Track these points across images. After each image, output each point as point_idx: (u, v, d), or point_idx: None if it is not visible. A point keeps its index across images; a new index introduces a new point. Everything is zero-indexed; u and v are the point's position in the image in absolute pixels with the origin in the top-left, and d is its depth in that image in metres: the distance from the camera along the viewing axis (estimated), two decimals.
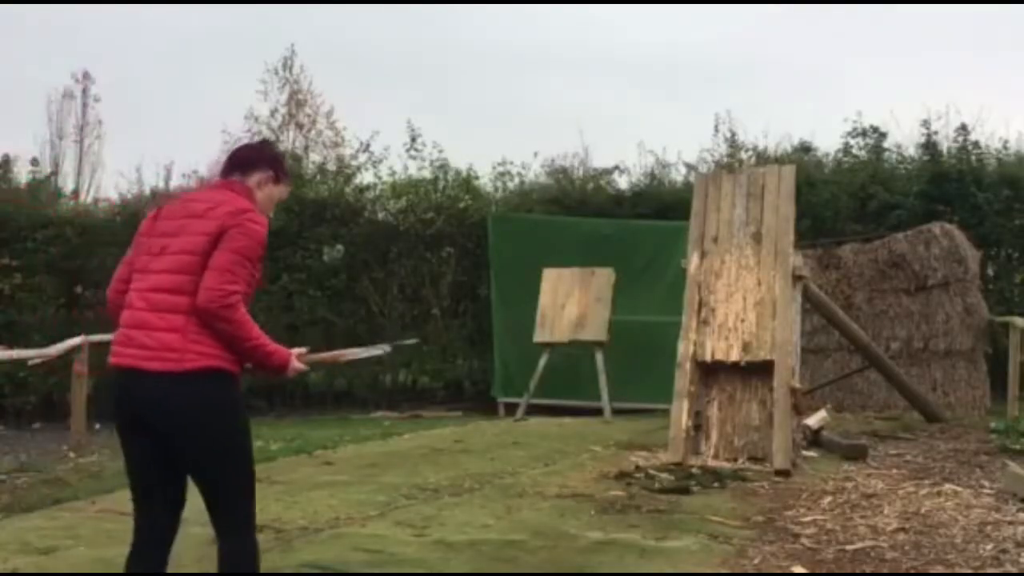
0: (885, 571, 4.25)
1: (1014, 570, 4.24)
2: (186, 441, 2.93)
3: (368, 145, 14.01)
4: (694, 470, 6.50)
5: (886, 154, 13.56)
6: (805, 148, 13.86)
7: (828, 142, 16.49)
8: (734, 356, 7.09)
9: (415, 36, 33.10)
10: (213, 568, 4.02)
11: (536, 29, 35.02)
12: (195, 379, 2.89)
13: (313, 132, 20.52)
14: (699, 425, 7.11)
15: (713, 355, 7.16)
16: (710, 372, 7.22)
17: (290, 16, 29.69)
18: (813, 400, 9.71)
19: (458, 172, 13.84)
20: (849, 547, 4.59)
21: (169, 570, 3.15)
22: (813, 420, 7.82)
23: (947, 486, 6.03)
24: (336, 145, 19.41)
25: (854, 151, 13.68)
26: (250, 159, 3.22)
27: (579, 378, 11.01)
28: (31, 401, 12.18)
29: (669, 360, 7.56)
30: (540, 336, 10.74)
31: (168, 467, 3.01)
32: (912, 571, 4.24)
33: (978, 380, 10.81)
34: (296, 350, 3.15)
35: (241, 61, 32.05)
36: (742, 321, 7.18)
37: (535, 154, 15.27)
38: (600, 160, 15.22)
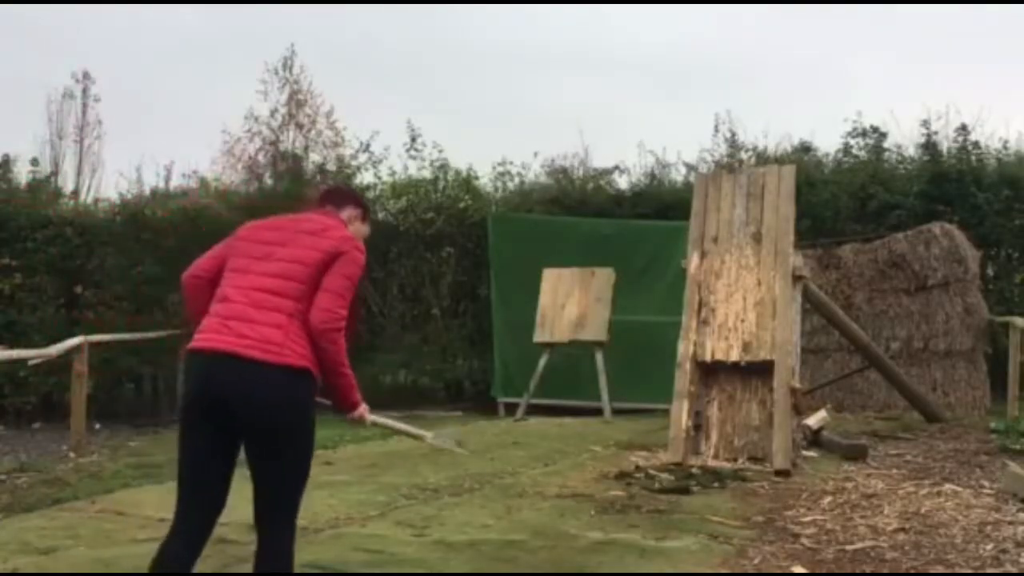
0: (885, 571, 4.24)
1: (1014, 570, 4.24)
2: (270, 432, 2.97)
3: (368, 145, 14.02)
4: (694, 470, 6.50)
5: (886, 154, 13.56)
6: (805, 148, 13.86)
7: (828, 142, 16.50)
8: (734, 356, 7.09)
9: (415, 36, 33.06)
10: (213, 568, 4.03)
11: (536, 29, 35.01)
12: (291, 374, 2.97)
13: (313, 132, 20.46)
14: (699, 425, 7.11)
15: (713, 355, 7.16)
16: (710, 372, 7.22)
17: (290, 16, 29.65)
18: (813, 400, 9.71)
19: (458, 172, 13.84)
20: (849, 547, 4.59)
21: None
22: (813, 420, 7.81)
23: (947, 486, 6.03)
24: (336, 145, 19.36)
25: (854, 151, 13.69)
26: (344, 196, 3.54)
27: (579, 378, 11.00)
28: (31, 401, 12.18)
29: (669, 360, 7.55)
30: (540, 336, 10.74)
31: (226, 464, 3.06)
32: (912, 571, 4.24)
33: (978, 380, 10.81)
34: (365, 406, 3.32)
35: (241, 61, 31.97)
36: (742, 321, 7.18)
37: (535, 154, 15.28)
38: (600, 160, 15.23)
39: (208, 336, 3.04)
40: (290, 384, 2.97)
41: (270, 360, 2.94)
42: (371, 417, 3.38)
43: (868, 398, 10.87)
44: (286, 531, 3.06)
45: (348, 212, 3.41)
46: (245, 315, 3.02)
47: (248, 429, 2.98)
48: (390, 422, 3.83)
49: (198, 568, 3.92)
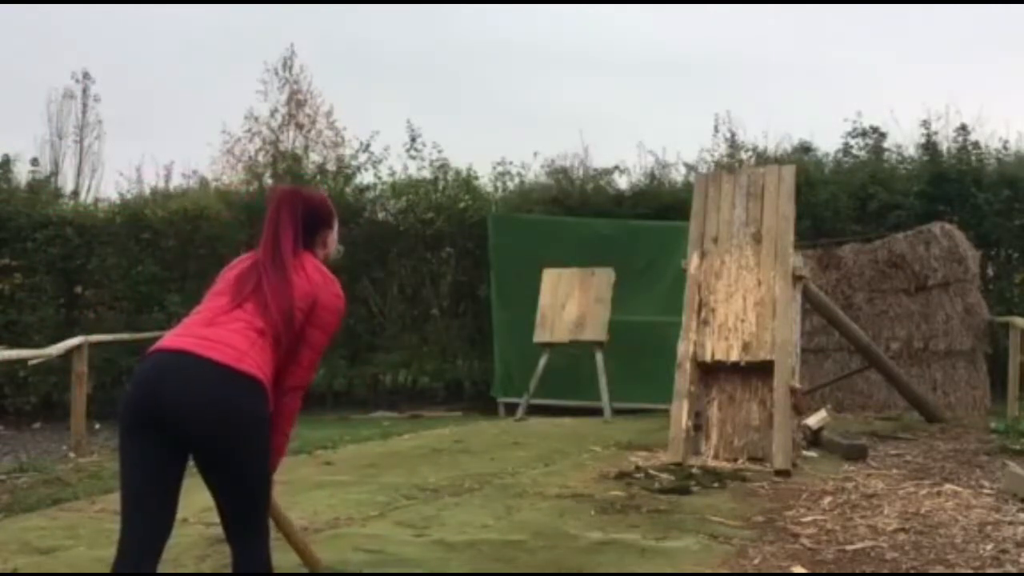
0: (885, 571, 4.24)
1: (1014, 570, 4.24)
2: (230, 442, 2.73)
3: (368, 145, 14.03)
4: (694, 470, 6.49)
5: (886, 154, 13.58)
6: (805, 148, 13.87)
7: (828, 142, 16.56)
8: (734, 356, 7.09)
9: (415, 36, 33.16)
10: (213, 568, 4.03)
11: (536, 29, 35.06)
12: (247, 381, 2.74)
13: (313, 132, 20.53)
14: (699, 425, 7.11)
15: (713, 355, 7.15)
16: (710, 372, 7.22)
17: (290, 16, 29.70)
18: (813, 400, 9.71)
19: (458, 172, 13.85)
20: (849, 547, 4.59)
21: (169, 570, 3.12)
22: (813, 420, 7.81)
23: (947, 486, 6.03)
24: (336, 145, 19.42)
25: (854, 151, 13.71)
26: (309, 228, 3.13)
27: (579, 378, 11.00)
28: (31, 401, 12.19)
29: (669, 360, 7.55)
30: (540, 336, 10.74)
31: (176, 473, 2.80)
32: (912, 571, 4.24)
33: (978, 380, 10.81)
34: None
35: (241, 61, 32.08)
36: (742, 321, 7.18)
37: (535, 154, 15.30)
38: (600, 160, 15.24)
39: (165, 340, 2.85)
40: (243, 389, 2.73)
41: (228, 362, 2.71)
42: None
43: (868, 398, 10.87)
44: (265, 543, 2.91)
45: (318, 243, 3.16)
46: (210, 321, 2.84)
47: (198, 435, 2.72)
48: (285, 526, 3.42)
49: (197, 567, 3.93)
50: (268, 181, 14.58)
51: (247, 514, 2.87)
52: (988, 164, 12.82)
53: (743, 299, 7.26)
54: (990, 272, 12.55)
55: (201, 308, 2.94)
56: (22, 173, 15.20)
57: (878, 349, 9.73)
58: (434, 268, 13.45)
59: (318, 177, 14.10)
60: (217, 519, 2.98)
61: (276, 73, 20.54)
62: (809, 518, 5.21)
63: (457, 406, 12.49)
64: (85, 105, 23.71)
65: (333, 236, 3.23)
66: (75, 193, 20.38)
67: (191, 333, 2.82)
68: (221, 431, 2.73)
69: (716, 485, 6.07)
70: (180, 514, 2.92)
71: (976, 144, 12.97)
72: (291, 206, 3.07)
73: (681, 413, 6.98)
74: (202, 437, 2.73)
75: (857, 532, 4.89)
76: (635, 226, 12.09)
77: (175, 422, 2.71)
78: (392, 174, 14.01)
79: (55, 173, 21.49)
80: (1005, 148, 13.07)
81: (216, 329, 2.81)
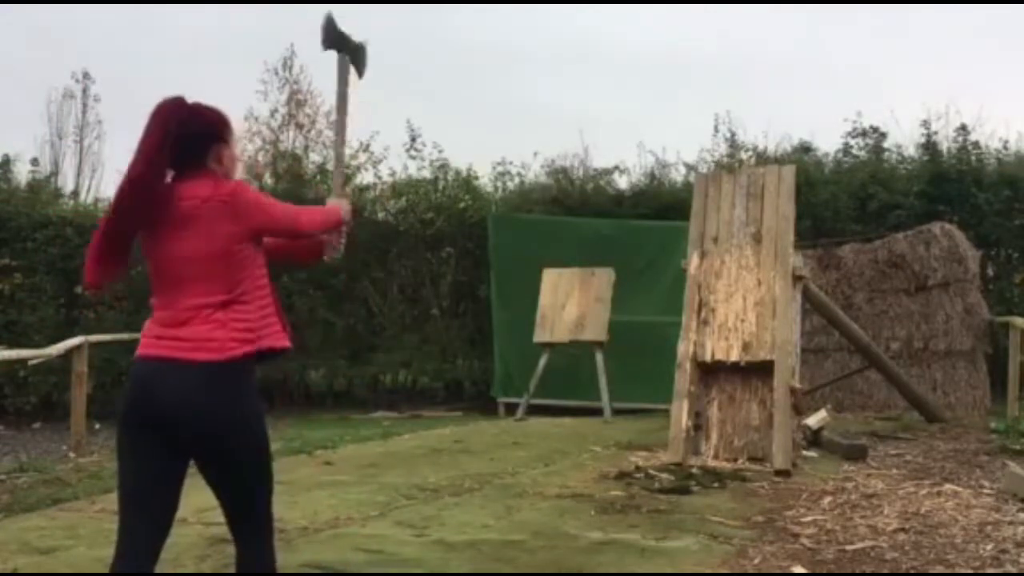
0: (885, 571, 4.24)
1: (1014, 570, 4.24)
2: (225, 442, 2.74)
3: (368, 145, 14.03)
4: (694, 470, 6.49)
5: (886, 154, 13.58)
6: (805, 148, 13.88)
7: (828, 142, 16.59)
8: (734, 356, 7.09)
9: (414, 36, 33.12)
10: (213, 568, 4.03)
11: (536, 29, 35.07)
12: (235, 370, 2.74)
13: (313, 132, 20.48)
14: (699, 425, 7.11)
15: (713, 355, 7.15)
16: (710, 372, 7.22)
17: (290, 16, 29.67)
18: (813, 400, 9.71)
19: (458, 172, 13.86)
20: (849, 547, 4.59)
21: (169, 570, 3.11)
22: (813, 420, 7.81)
23: (947, 486, 6.03)
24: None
25: (854, 151, 13.71)
26: (193, 147, 2.83)
27: (579, 378, 11.01)
28: (31, 401, 12.18)
29: (669, 360, 7.55)
30: (540, 336, 10.74)
31: (175, 476, 2.80)
32: (912, 571, 4.24)
33: (978, 380, 10.81)
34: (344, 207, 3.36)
35: (241, 61, 32.04)
36: (742, 321, 7.18)
37: (535, 154, 15.31)
38: (600, 160, 15.26)
39: (147, 342, 2.81)
40: (234, 384, 2.74)
41: (210, 359, 2.71)
42: (347, 198, 3.43)
43: (868, 398, 10.87)
44: (270, 541, 2.91)
45: (211, 159, 2.87)
46: (176, 320, 2.77)
47: (196, 435, 2.73)
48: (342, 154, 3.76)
49: (197, 567, 3.93)
50: (268, 181, 14.57)
51: (247, 512, 2.87)
52: (988, 164, 12.83)
53: (743, 299, 7.26)
54: (990, 272, 12.55)
55: (156, 301, 2.84)
56: (22, 173, 15.19)
57: (878, 349, 9.73)
58: (434, 268, 13.45)
59: (318, 177, 14.09)
60: (217, 519, 3.01)
61: (276, 73, 20.49)
62: (809, 518, 5.21)
63: (457, 406, 12.49)
64: (85, 105, 23.70)
65: (230, 152, 2.93)
66: (75, 193, 20.37)
67: (169, 336, 2.77)
68: (219, 431, 2.74)
69: (716, 485, 6.07)
70: (180, 514, 2.91)
71: (976, 144, 12.98)
72: (162, 121, 2.75)
73: (681, 413, 6.98)
74: (199, 437, 2.75)
75: (857, 532, 4.89)
76: (635, 226, 12.10)
77: (172, 423, 2.72)
78: (392, 174, 14.05)
79: (55, 173, 21.47)
80: (1005, 148, 13.10)
81: (189, 328, 2.75)
